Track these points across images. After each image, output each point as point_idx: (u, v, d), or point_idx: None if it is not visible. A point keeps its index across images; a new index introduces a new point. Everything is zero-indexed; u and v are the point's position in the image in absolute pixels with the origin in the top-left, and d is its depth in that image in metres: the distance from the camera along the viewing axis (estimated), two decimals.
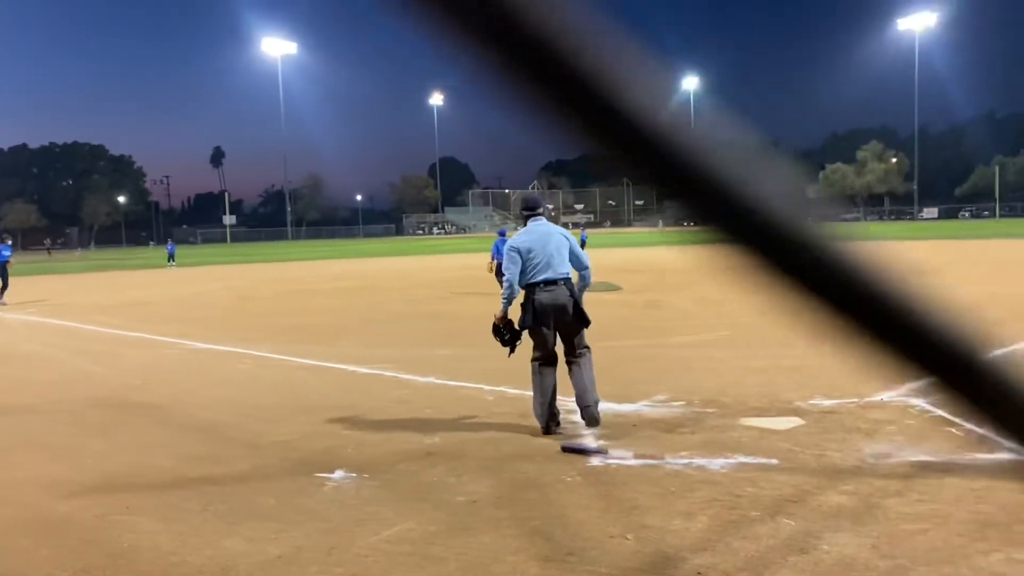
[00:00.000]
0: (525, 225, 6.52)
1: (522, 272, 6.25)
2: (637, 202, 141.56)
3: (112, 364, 10.56)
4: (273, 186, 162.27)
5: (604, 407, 6.84)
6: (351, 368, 9.43)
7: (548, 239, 6.31)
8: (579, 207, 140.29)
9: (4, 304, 19.55)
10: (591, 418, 6.20)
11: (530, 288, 6.23)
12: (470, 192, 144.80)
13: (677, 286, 19.41)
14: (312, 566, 3.96)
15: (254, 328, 13.99)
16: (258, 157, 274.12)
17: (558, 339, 6.31)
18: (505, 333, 6.48)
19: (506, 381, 8.25)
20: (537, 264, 6.21)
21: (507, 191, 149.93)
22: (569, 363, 6.35)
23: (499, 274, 18.73)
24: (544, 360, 6.29)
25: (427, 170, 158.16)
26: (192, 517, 4.70)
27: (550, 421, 6.23)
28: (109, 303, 20.37)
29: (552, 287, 6.20)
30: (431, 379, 8.56)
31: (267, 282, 26.76)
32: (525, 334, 6.37)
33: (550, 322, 6.21)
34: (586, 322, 6.33)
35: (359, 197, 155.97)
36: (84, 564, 4.09)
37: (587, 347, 6.42)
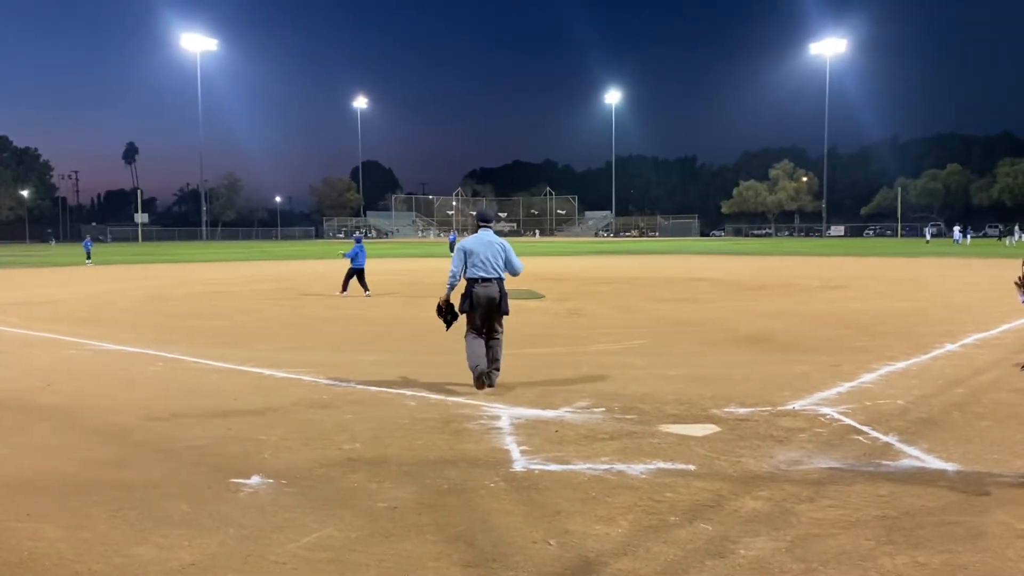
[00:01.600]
0: (477, 232, 8.35)
1: (464, 267, 8.12)
2: (560, 211, 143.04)
3: (12, 365, 10.04)
4: (188, 185, 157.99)
5: (526, 413, 7.04)
6: (268, 372, 9.21)
7: (488, 247, 8.14)
8: (503, 215, 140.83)
9: None
10: (490, 382, 8.04)
11: (471, 282, 8.07)
12: (393, 197, 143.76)
13: (599, 295, 19.65)
14: (227, 574, 3.83)
15: (166, 330, 13.52)
16: (174, 155, 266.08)
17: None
18: (447, 313, 8.33)
19: (429, 387, 8.19)
20: (476, 263, 8.07)
21: (431, 197, 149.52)
22: (487, 339, 8.15)
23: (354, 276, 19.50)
24: (475, 333, 8.15)
25: (349, 173, 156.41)
26: (99, 524, 4.49)
27: (482, 375, 7.99)
28: (10, 301, 19.39)
29: (487, 284, 8.05)
30: (351, 384, 8.42)
31: (180, 283, 25.93)
32: (461, 317, 8.29)
33: (481, 309, 8.06)
34: (505, 312, 8.22)
35: (278, 198, 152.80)
36: None
37: (502, 331, 8.27)
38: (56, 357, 10.59)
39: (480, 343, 8.09)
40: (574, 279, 25.86)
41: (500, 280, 8.10)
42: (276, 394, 8.00)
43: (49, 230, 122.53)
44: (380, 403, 7.52)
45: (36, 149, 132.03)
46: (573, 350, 10.73)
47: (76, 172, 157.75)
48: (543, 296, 19.11)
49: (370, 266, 21.73)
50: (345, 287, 19.55)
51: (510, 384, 8.34)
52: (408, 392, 7.95)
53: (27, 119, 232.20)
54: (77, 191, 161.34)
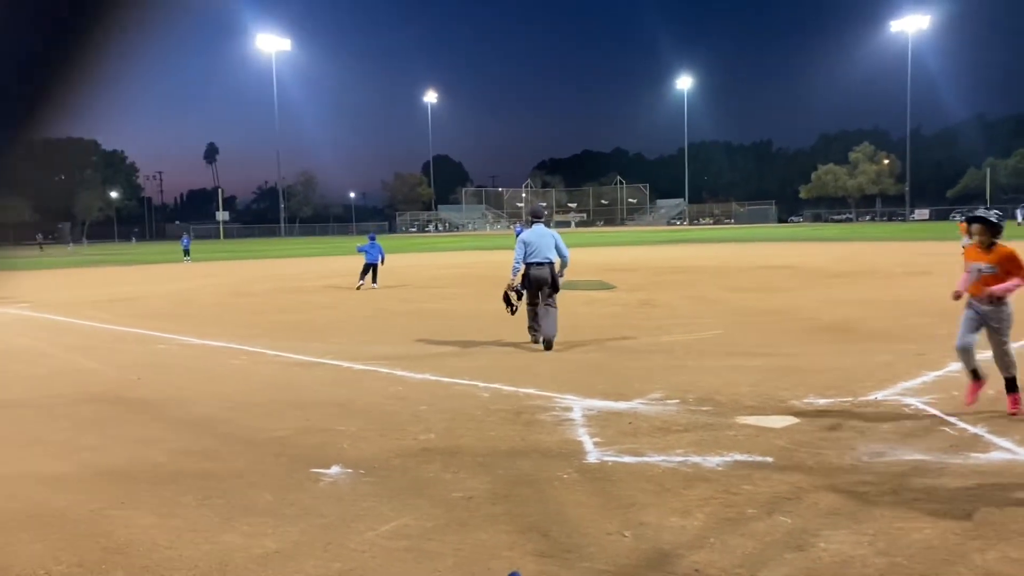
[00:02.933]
0: (530, 227, 10.72)
1: (525, 255, 10.39)
2: (631, 200, 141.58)
3: (106, 359, 10.52)
4: (267, 183, 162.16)
5: (599, 405, 7.05)
6: (345, 364, 9.42)
7: (542, 238, 10.45)
8: (572, 205, 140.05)
9: None
10: (547, 344, 10.12)
11: (529, 266, 10.43)
12: (463, 190, 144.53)
13: (671, 285, 19.44)
14: (309, 561, 3.95)
15: (247, 324, 13.95)
16: (252, 153, 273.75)
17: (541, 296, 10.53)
18: (513, 296, 10.56)
19: (501, 378, 8.25)
20: (533, 252, 10.39)
21: (500, 189, 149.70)
22: (541, 309, 10.37)
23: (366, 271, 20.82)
24: (534, 305, 10.50)
25: (420, 168, 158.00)
26: (188, 512, 4.69)
27: (537, 335, 10.35)
28: (101, 298, 20.28)
29: (541, 267, 10.41)
30: (426, 376, 8.55)
31: (260, 278, 26.69)
32: (522, 302, 10.67)
33: (536, 285, 10.42)
34: (557, 288, 10.48)
35: (352, 194, 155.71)
36: (79, 558, 4.07)
37: (555, 304, 10.46)
38: (145, 351, 11.05)
39: (535, 311, 10.46)
40: (646, 269, 25.63)
41: (551, 264, 10.44)
42: (353, 386, 8.19)
43: (135, 229, 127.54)
44: (453, 394, 7.62)
45: (123, 151, 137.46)
46: (645, 341, 10.66)
47: (160, 173, 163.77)
48: (614, 287, 19.00)
49: (441, 259, 21.88)
50: (362, 278, 20.68)
51: (581, 376, 8.34)
52: (480, 384, 8.03)
53: (114, 123, 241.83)
54: (161, 191, 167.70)
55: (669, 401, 7.08)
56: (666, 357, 9.36)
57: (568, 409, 6.90)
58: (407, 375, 8.65)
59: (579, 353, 9.77)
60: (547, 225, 10.84)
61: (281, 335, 12.28)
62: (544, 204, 12.55)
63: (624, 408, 6.86)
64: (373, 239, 21.14)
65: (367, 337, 11.88)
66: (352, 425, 6.56)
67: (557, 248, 10.41)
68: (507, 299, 10.54)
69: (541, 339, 10.20)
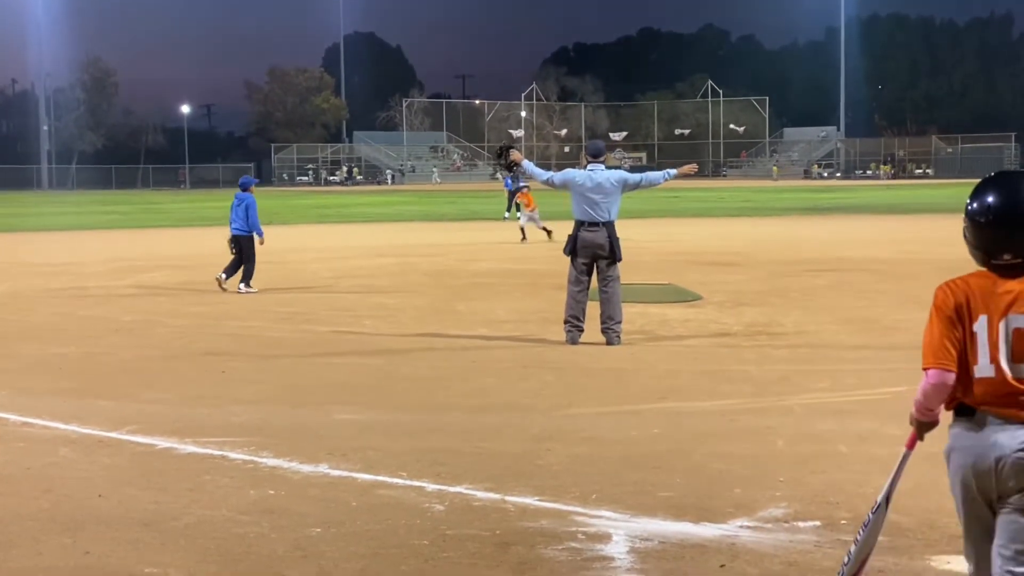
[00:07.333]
0: (584, 168, 14.14)
1: (562, 186, 14.35)
2: (733, 127, 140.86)
3: None
4: (13, 83, 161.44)
5: (662, 529, 7.03)
6: (164, 444, 9.32)
7: (597, 188, 13.64)
8: (618, 136, 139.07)
9: None
10: (610, 337, 13.65)
11: (578, 225, 13.75)
12: (405, 103, 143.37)
13: (809, 294, 19.39)
14: None
15: None
16: None
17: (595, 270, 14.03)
18: (503, 155, 14.82)
19: (473, 474, 8.18)
20: (581, 205, 13.69)
21: (478, 103, 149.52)
22: (601, 290, 13.65)
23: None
24: (575, 282, 13.74)
25: (321, 59, 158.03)
26: None
27: (575, 329, 13.83)
28: None
29: (594, 228, 13.62)
30: (320, 468, 8.51)
31: (6, 272, 26.59)
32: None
33: (588, 255, 13.66)
34: (618, 258, 13.76)
35: (186, 109, 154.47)
36: None
37: (616, 278, 13.77)
38: None
39: (583, 294, 13.84)
40: (761, 263, 25.75)
41: (609, 224, 13.59)
42: (178, 485, 8.11)
43: None
44: (374, 506, 7.56)
45: None
46: (756, 405, 10.61)
47: None
48: (699, 297, 18.96)
49: (361, 239, 21.79)
50: (231, 271, 20.73)
51: (627, 472, 8.28)
52: (428, 485, 8.00)
53: None
54: None
55: (801, 523, 7.04)
56: (795, 438, 9.32)
57: (600, 538, 6.86)
58: (284, 465, 8.62)
59: (625, 427, 9.70)
60: (605, 166, 14.46)
61: (38, 382, 12.27)
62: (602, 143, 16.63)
63: (711, 536, 6.83)
64: (246, 191, 21.32)
65: (211, 389, 11.85)
66: (172, 567, 6.51)
67: (635, 187, 14.67)
68: (499, 153, 15.13)
69: (572, 327, 13.87)
